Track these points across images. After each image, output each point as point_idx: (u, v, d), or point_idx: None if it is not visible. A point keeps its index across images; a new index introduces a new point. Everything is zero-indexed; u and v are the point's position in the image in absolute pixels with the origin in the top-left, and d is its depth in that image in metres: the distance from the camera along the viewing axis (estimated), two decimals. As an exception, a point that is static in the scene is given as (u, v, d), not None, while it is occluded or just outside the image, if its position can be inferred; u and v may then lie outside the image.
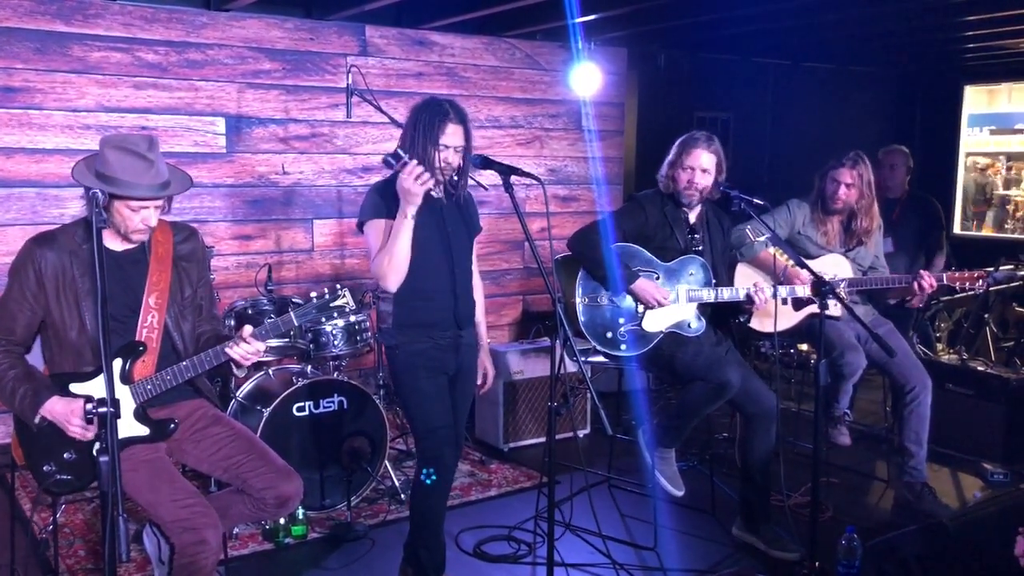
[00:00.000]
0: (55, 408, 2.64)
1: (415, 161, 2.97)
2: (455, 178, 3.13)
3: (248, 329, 2.75)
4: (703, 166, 3.69)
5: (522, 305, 6.74)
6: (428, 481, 3.33)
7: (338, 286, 2.78)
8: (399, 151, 3.00)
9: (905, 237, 5.41)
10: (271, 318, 4.12)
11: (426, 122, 3.04)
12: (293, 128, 5.67)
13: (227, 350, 2.72)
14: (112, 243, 2.79)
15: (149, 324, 2.79)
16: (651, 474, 3.85)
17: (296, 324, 2.78)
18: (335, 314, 2.80)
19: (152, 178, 2.67)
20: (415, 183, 2.93)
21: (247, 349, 2.71)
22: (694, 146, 3.71)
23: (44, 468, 2.72)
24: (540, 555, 3.71)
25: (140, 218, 2.71)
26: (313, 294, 2.78)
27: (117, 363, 2.71)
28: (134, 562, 3.51)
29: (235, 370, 2.85)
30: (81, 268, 2.72)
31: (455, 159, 3.08)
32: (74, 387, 2.71)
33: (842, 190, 4.14)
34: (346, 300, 2.77)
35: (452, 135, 3.05)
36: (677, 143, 3.78)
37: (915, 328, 5.77)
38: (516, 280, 6.70)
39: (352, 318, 4.25)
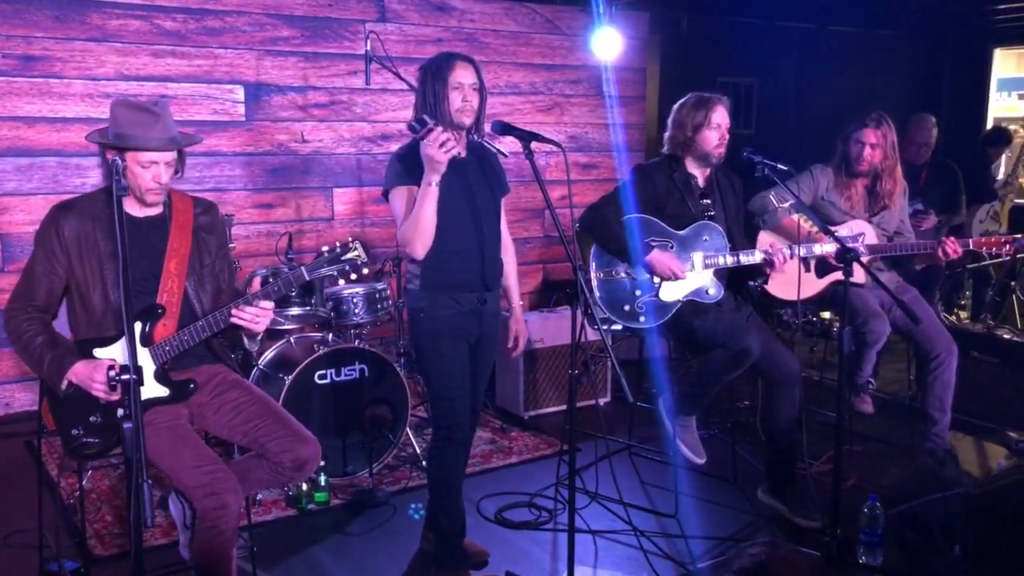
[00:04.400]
0: (79, 371, 2.69)
1: (440, 128, 2.90)
2: (474, 126, 3.07)
3: (257, 283, 2.78)
4: (728, 122, 3.71)
5: (542, 273, 6.73)
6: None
7: (350, 239, 2.75)
8: (424, 116, 2.93)
9: (932, 202, 5.34)
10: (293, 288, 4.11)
11: (434, 70, 3.02)
12: (312, 96, 5.65)
13: (232, 316, 2.73)
14: (132, 210, 2.83)
15: (169, 289, 2.83)
16: (672, 442, 3.84)
17: (307, 278, 2.76)
18: (347, 267, 2.74)
19: (160, 132, 2.73)
20: (439, 150, 2.87)
21: (252, 312, 2.72)
22: (717, 103, 3.70)
23: (72, 432, 2.78)
24: (561, 522, 3.72)
25: (151, 175, 2.76)
26: (325, 248, 2.75)
27: (137, 326, 2.74)
28: (159, 527, 3.56)
29: (246, 342, 2.85)
30: (103, 232, 2.77)
31: (473, 97, 3.03)
32: (97, 351, 2.76)
33: (867, 151, 4.09)
34: (358, 252, 2.73)
35: (463, 73, 3.01)
36: (690, 107, 3.71)
37: (940, 295, 5.70)
38: (536, 248, 6.68)
39: (372, 281, 4.25)
